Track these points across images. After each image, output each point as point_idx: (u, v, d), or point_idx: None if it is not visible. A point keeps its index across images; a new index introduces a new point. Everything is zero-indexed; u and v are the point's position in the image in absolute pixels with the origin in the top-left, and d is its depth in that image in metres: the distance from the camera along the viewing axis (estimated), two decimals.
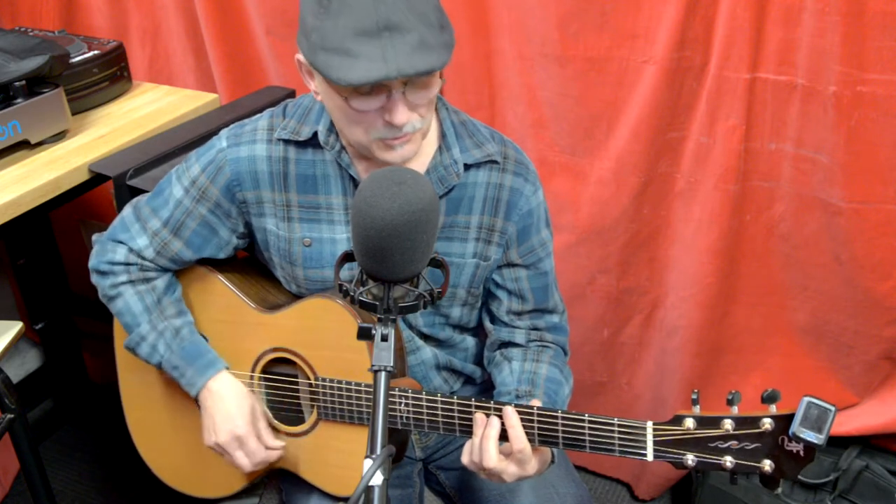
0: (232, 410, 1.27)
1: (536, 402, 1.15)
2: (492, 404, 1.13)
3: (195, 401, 1.32)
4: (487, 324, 1.37)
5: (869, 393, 1.77)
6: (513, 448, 1.10)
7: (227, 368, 1.31)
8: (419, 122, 1.11)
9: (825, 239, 1.65)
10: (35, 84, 1.64)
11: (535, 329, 1.35)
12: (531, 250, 1.30)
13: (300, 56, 1.13)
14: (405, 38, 1.00)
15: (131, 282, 1.31)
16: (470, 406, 1.14)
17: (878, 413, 1.73)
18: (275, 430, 1.32)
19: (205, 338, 1.33)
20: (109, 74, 1.86)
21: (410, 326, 1.33)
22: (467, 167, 1.24)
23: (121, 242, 1.31)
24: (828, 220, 1.62)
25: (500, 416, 1.12)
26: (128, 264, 1.30)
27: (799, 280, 1.74)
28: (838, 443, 1.77)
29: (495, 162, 1.25)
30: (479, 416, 1.13)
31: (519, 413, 1.11)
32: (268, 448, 1.28)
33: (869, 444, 1.78)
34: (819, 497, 1.75)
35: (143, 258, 1.30)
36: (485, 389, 1.46)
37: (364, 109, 1.08)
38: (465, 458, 1.15)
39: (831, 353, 1.77)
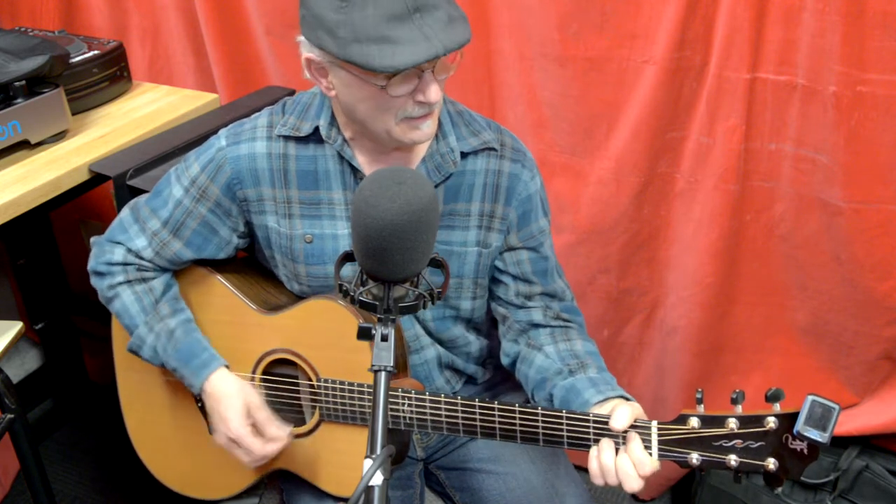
0: (224, 413, 1.25)
1: (593, 374, 1.20)
2: (496, 405, 1.13)
3: (198, 400, 1.32)
4: (501, 310, 1.34)
5: (869, 393, 1.77)
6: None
7: (226, 366, 1.29)
8: (441, 95, 1.13)
9: (825, 239, 1.65)
10: (35, 84, 1.64)
11: (549, 308, 1.33)
12: (531, 236, 1.30)
13: (311, 54, 1.12)
14: (435, 16, 1.03)
15: (128, 282, 1.31)
16: (474, 406, 1.14)
17: (878, 413, 1.73)
18: None
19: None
20: (109, 74, 1.86)
21: (419, 322, 1.32)
22: (464, 155, 1.25)
23: (118, 243, 1.31)
24: (828, 220, 1.62)
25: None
26: (125, 264, 1.30)
27: (799, 280, 1.73)
28: (838, 443, 1.77)
29: (493, 149, 1.26)
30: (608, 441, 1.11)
31: (523, 414, 1.11)
32: (269, 439, 1.25)
33: (869, 444, 1.78)
34: (819, 497, 1.75)
35: (142, 258, 1.30)
36: (485, 389, 1.47)
37: (400, 94, 1.09)
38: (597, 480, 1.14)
39: (831, 353, 1.77)
